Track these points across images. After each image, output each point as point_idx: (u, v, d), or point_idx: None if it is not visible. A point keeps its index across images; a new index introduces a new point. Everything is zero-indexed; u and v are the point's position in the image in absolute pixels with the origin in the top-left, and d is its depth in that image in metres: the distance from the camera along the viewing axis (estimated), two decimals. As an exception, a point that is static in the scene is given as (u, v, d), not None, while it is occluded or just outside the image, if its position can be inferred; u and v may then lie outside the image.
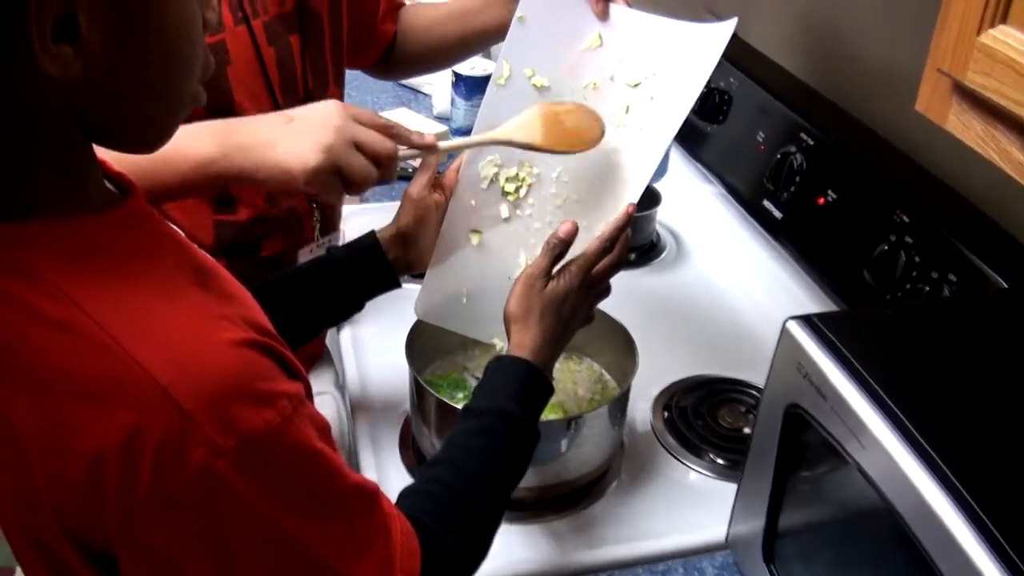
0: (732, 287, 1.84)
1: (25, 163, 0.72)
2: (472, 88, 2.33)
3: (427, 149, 1.20)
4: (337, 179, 1.12)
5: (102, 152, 0.79)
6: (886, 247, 1.41)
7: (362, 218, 1.95)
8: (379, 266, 1.28)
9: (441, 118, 2.47)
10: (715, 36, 1.24)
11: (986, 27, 0.85)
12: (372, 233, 1.30)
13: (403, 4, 1.69)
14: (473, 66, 2.30)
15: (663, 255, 1.95)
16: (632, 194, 1.23)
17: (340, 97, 1.54)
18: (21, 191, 0.73)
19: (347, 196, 1.18)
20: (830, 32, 1.82)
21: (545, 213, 1.30)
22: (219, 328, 0.73)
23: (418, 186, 1.31)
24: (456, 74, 2.33)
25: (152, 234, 0.79)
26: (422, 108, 2.52)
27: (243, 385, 0.71)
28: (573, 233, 1.17)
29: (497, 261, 1.31)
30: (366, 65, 1.70)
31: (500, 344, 1.29)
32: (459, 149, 1.29)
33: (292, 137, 1.12)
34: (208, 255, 0.84)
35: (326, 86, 1.47)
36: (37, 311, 0.70)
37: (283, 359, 0.77)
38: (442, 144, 1.21)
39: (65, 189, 0.74)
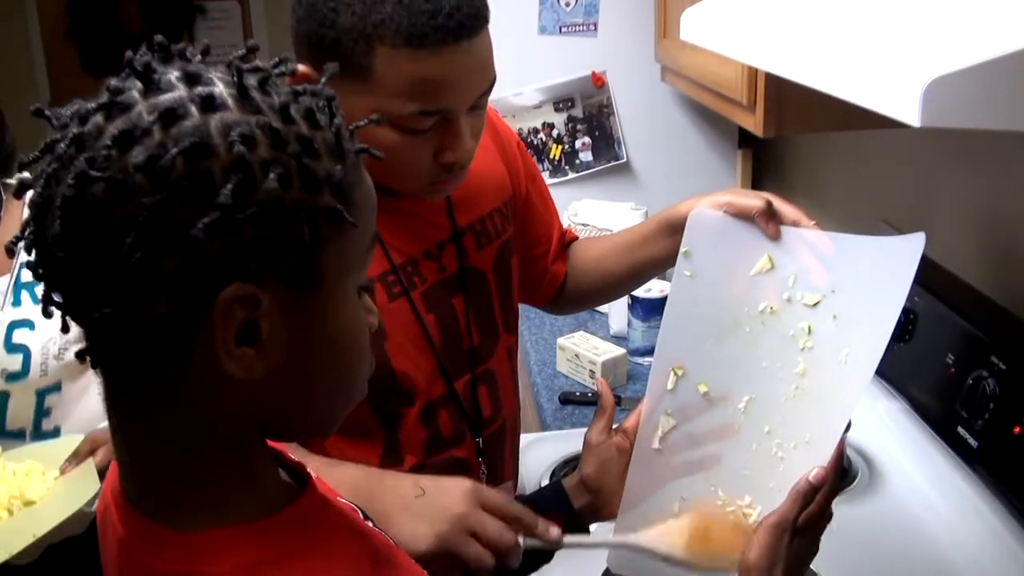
0: (931, 520, 1.74)
1: (212, 469, 0.77)
2: (649, 310, 2.36)
3: (552, 543, 1.19)
4: (453, 562, 1.14)
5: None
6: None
7: (539, 449, 1.96)
8: (567, 516, 1.27)
9: (618, 338, 2.49)
10: (900, 252, 1.19)
11: None
12: (559, 482, 1.30)
13: (574, 239, 1.73)
14: (649, 288, 2.32)
15: (856, 482, 1.87)
16: (836, 425, 1.17)
17: (515, 342, 1.57)
18: (208, 498, 0.77)
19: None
20: (1021, 247, 1.78)
21: (735, 450, 1.27)
22: None
23: (596, 432, 1.31)
24: (632, 296, 2.36)
25: (327, 528, 0.81)
26: (599, 329, 2.55)
27: None
28: (824, 479, 1.12)
29: (694, 504, 1.27)
30: (540, 305, 1.73)
31: None
32: (587, 548, 1.26)
33: (413, 517, 1.15)
34: (385, 538, 0.85)
35: (495, 337, 1.50)
36: None
37: None
38: (567, 539, 1.19)
39: (247, 492, 0.78)
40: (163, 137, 0.67)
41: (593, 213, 2.67)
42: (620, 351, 2.34)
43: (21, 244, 0.71)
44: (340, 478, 1.16)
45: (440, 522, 1.14)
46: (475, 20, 1.18)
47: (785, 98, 1.82)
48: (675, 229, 1.38)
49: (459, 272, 1.43)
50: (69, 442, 1.83)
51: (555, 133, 2.77)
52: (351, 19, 1.15)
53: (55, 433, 1.90)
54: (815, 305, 1.24)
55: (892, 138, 2.13)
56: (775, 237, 1.28)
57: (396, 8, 1.14)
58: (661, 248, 1.49)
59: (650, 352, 2.38)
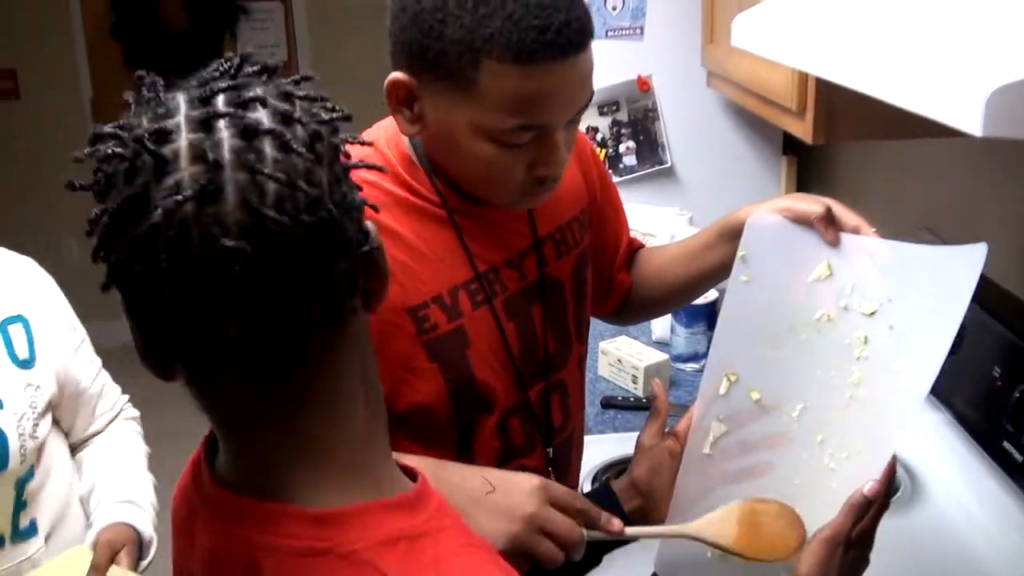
0: (974, 535, 1.72)
1: (366, 438, 0.82)
2: (692, 316, 2.35)
3: (615, 535, 1.19)
4: (523, 559, 1.15)
5: None
6: None
7: (590, 449, 1.95)
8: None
9: (660, 344, 2.49)
10: (960, 264, 1.17)
11: None
12: (607, 484, 1.30)
13: (640, 247, 1.71)
14: (692, 294, 2.32)
15: (898, 495, 1.85)
16: (890, 437, 1.17)
17: (585, 352, 1.56)
18: (348, 474, 0.80)
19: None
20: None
21: (787, 459, 1.26)
22: None
23: (649, 435, 1.31)
24: (675, 302, 2.35)
25: (449, 512, 0.84)
26: (641, 334, 2.55)
27: None
28: (879, 492, 1.12)
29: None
30: (604, 315, 1.71)
31: None
32: (645, 537, 1.26)
33: (484, 514, 1.15)
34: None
35: (568, 346, 1.49)
36: None
37: None
38: (628, 530, 1.20)
39: (384, 469, 0.83)
40: (289, 128, 0.74)
41: (636, 218, 2.66)
42: (663, 356, 2.34)
43: None
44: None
45: (513, 522, 1.14)
46: (582, 36, 1.17)
47: (836, 105, 1.80)
48: (735, 235, 1.37)
49: (538, 280, 1.42)
50: (75, 556, 1.67)
51: (599, 137, 2.76)
52: (459, 32, 1.13)
53: (31, 530, 1.69)
54: (872, 314, 1.22)
55: (939, 146, 2.11)
56: (834, 244, 1.27)
57: (506, 23, 1.12)
58: (721, 254, 1.47)
59: (693, 358, 2.39)
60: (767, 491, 1.24)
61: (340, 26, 5.48)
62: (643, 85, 2.74)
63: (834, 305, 1.26)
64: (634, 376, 2.29)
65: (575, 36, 1.15)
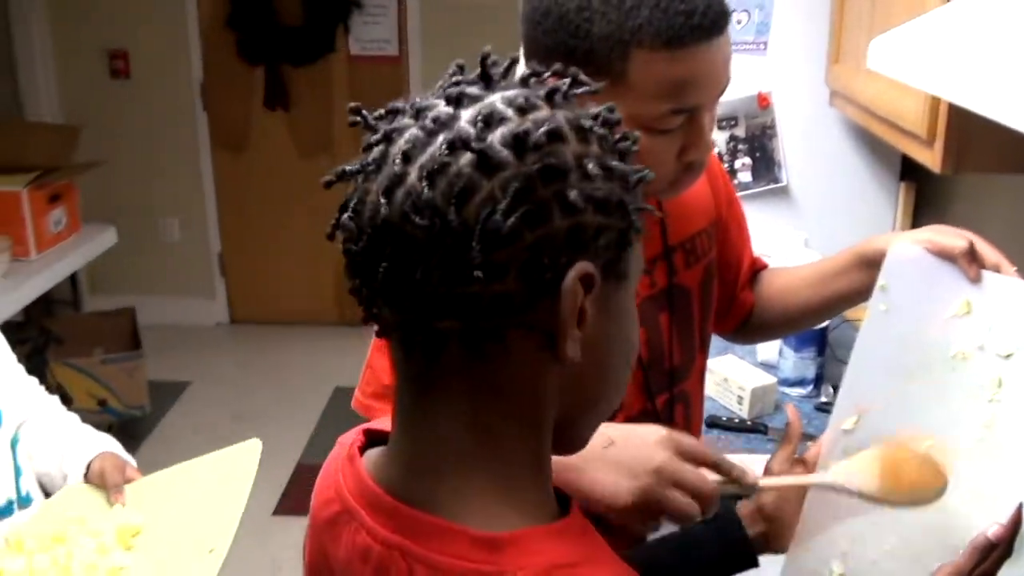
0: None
1: (520, 465, 0.80)
2: (803, 340, 2.31)
3: (749, 487, 1.17)
4: (654, 513, 1.11)
5: None
6: None
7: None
8: (739, 543, 1.25)
9: (767, 366, 2.45)
10: None
11: None
12: (730, 507, 1.27)
13: (763, 267, 1.70)
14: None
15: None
16: (1019, 482, 1.13)
17: (704, 365, 1.55)
18: (511, 497, 0.79)
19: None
20: None
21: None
22: None
23: (779, 461, 1.29)
24: (786, 324, 2.31)
25: (600, 539, 0.83)
26: (746, 354, 2.51)
27: None
28: (1003, 537, 1.09)
29: (864, 545, 1.24)
30: (724, 333, 1.70)
31: None
32: (782, 488, 1.25)
33: (610, 469, 1.11)
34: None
35: (692, 358, 1.48)
36: None
37: None
38: (763, 482, 1.18)
39: (541, 494, 0.82)
40: (522, 120, 0.74)
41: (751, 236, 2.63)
42: (771, 379, 2.30)
43: None
44: None
45: (642, 475, 1.11)
46: (723, 17, 1.20)
47: (968, 135, 1.76)
48: (870, 263, 1.37)
49: (667, 289, 1.42)
50: (73, 493, 1.79)
51: (716, 152, 2.73)
52: (607, 27, 1.16)
53: (28, 497, 1.82)
54: (1008, 357, 1.19)
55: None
56: (975, 280, 1.24)
57: (653, 11, 1.15)
58: (854, 281, 1.46)
59: (800, 383, 2.35)
60: (891, 526, 1.22)
61: (452, 25, 5.50)
62: (763, 102, 2.71)
63: (970, 344, 1.23)
64: (740, 397, 2.26)
65: (718, 18, 1.18)
